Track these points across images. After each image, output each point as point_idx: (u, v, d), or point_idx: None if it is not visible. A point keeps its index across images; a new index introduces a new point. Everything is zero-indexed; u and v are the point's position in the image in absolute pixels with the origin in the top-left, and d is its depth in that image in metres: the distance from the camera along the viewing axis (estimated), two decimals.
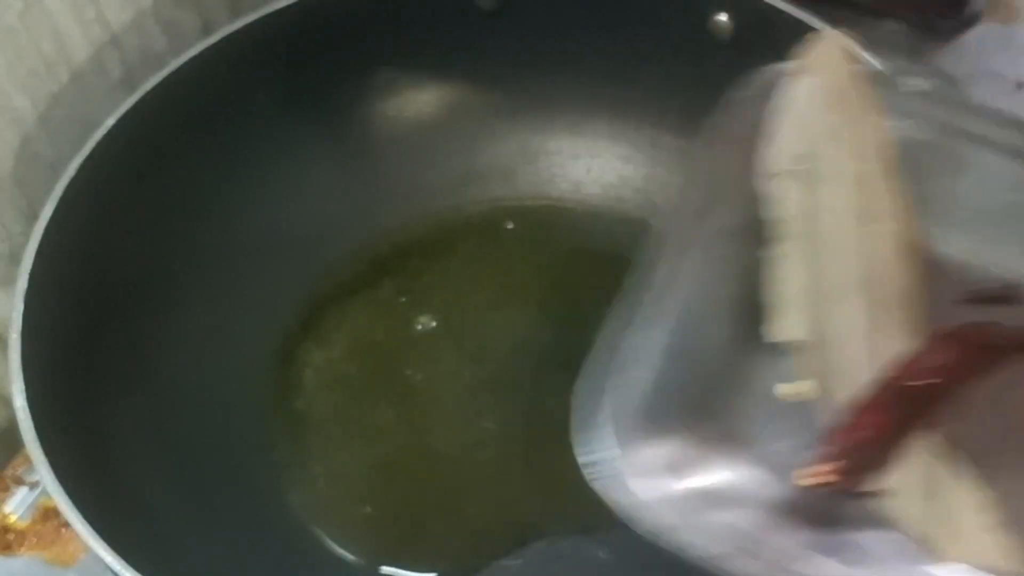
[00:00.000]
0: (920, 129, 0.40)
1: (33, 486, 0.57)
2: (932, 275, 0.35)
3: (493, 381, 0.58)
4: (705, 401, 0.38)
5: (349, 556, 0.52)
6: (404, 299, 0.62)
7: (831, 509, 0.34)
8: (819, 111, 0.38)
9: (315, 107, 0.63)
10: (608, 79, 0.64)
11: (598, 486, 0.39)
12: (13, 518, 0.56)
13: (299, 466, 0.55)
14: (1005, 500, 0.32)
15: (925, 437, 0.34)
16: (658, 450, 0.37)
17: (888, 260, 0.35)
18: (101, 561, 0.41)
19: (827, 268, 0.36)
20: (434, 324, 0.61)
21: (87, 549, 0.52)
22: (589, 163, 0.66)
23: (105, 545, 0.41)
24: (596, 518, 0.52)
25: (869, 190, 0.37)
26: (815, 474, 0.34)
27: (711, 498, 0.37)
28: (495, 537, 0.52)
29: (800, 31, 0.55)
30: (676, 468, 0.37)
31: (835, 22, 0.55)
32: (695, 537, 0.36)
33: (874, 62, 0.53)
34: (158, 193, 0.56)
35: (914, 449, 0.33)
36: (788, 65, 0.39)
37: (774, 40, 0.57)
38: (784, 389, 0.36)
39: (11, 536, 0.55)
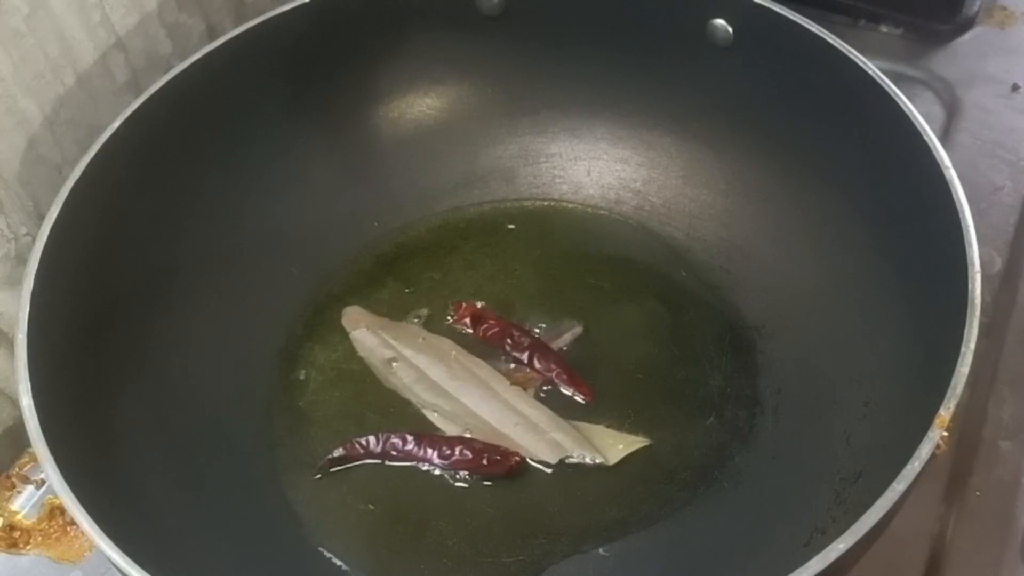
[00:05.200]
0: None
1: (39, 484, 0.57)
2: None
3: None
4: None
5: (352, 553, 0.52)
6: (406, 299, 0.62)
7: None
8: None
9: (319, 110, 0.63)
10: (608, 83, 0.64)
11: None
12: (19, 516, 0.56)
13: (302, 464, 0.56)
14: None
15: None
16: None
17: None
18: (106, 559, 0.41)
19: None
20: (435, 322, 0.61)
21: (92, 547, 0.53)
22: (589, 165, 0.66)
23: (110, 543, 0.41)
24: (597, 516, 0.53)
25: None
26: None
27: None
28: (496, 535, 0.52)
29: (797, 35, 0.56)
30: None
31: (832, 26, 0.55)
32: None
33: (871, 65, 0.53)
34: (163, 195, 0.57)
35: None
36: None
37: (772, 44, 0.57)
38: None
39: (17, 534, 0.55)
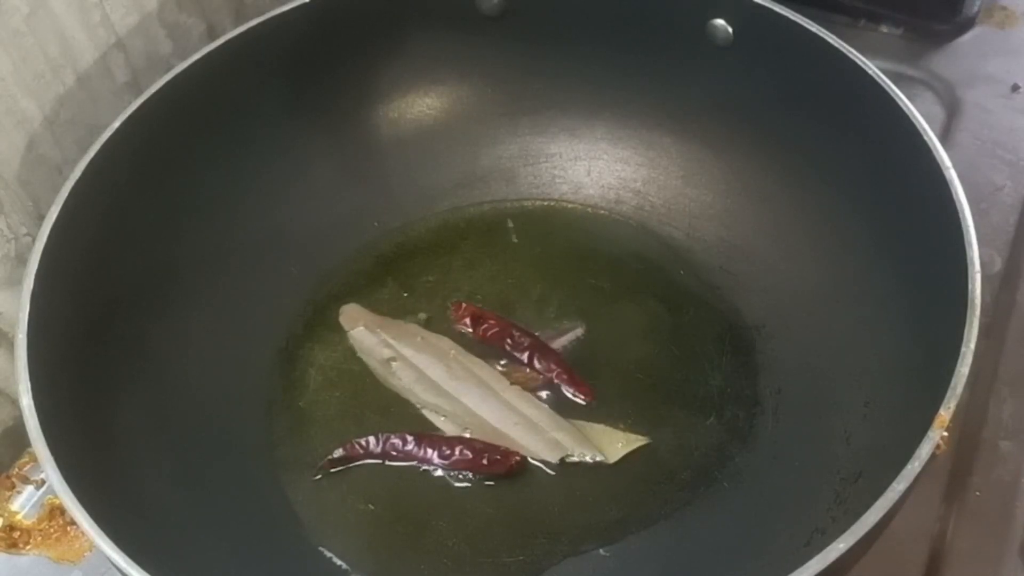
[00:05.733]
0: None
1: (39, 485, 0.57)
2: None
3: None
4: None
5: (352, 553, 0.52)
6: (406, 299, 0.62)
7: None
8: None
9: (319, 110, 0.63)
10: (608, 83, 0.64)
11: None
12: (19, 516, 0.56)
13: (302, 464, 0.55)
14: None
15: None
16: None
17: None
18: (106, 559, 0.41)
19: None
20: (436, 322, 0.61)
21: (92, 547, 0.53)
22: (588, 165, 0.66)
23: (110, 543, 0.41)
24: (597, 516, 0.53)
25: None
26: None
27: None
28: (496, 535, 0.52)
29: (797, 35, 0.56)
30: None
31: (832, 26, 0.55)
32: None
33: (871, 65, 0.53)
34: (163, 195, 0.57)
35: None
36: None
37: (772, 44, 0.57)
38: None
39: (17, 534, 0.55)
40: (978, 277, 0.45)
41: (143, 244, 0.56)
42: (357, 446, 0.55)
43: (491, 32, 0.63)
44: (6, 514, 0.56)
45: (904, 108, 0.51)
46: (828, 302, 0.56)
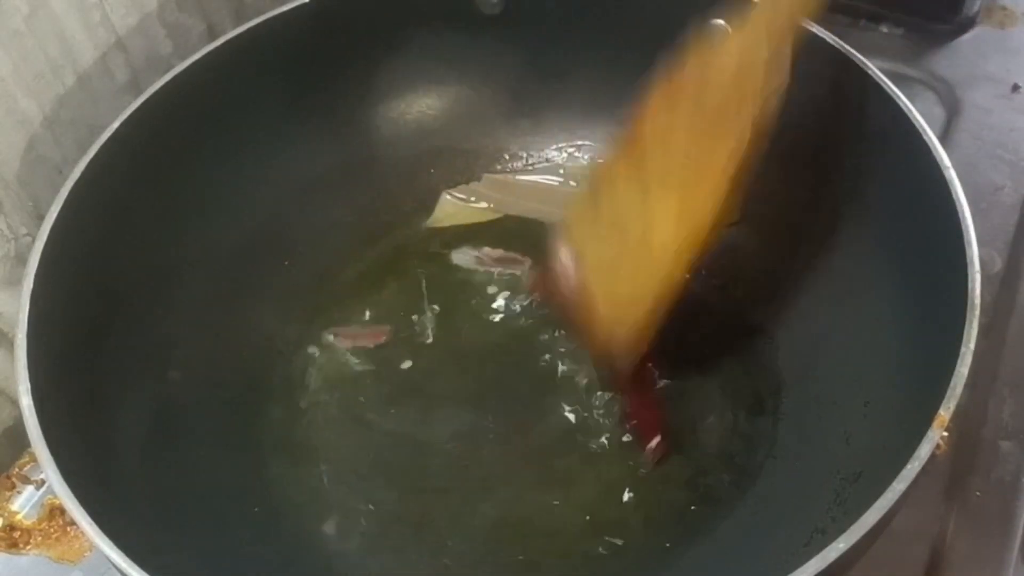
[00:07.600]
0: None
1: (39, 485, 0.57)
2: None
3: (494, 379, 0.59)
4: None
5: (352, 554, 0.52)
6: (406, 298, 0.62)
7: None
8: None
9: (319, 110, 0.63)
10: (606, 83, 0.64)
11: None
12: (19, 516, 0.56)
13: (303, 464, 0.56)
14: None
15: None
16: None
17: None
18: (106, 559, 0.41)
19: None
20: (436, 323, 0.61)
21: (92, 547, 0.53)
22: None
23: (110, 543, 0.41)
24: (597, 515, 0.53)
25: None
26: None
27: None
28: (496, 535, 0.52)
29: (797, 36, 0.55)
30: None
31: (832, 26, 0.55)
32: None
33: (871, 66, 0.53)
34: (163, 195, 0.57)
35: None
36: None
37: None
38: None
39: (17, 534, 0.55)
40: (978, 277, 0.45)
41: (143, 244, 0.56)
42: None
43: (491, 32, 0.63)
44: (6, 514, 0.56)
45: (904, 108, 0.51)
46: (827, 302, 0.56)
